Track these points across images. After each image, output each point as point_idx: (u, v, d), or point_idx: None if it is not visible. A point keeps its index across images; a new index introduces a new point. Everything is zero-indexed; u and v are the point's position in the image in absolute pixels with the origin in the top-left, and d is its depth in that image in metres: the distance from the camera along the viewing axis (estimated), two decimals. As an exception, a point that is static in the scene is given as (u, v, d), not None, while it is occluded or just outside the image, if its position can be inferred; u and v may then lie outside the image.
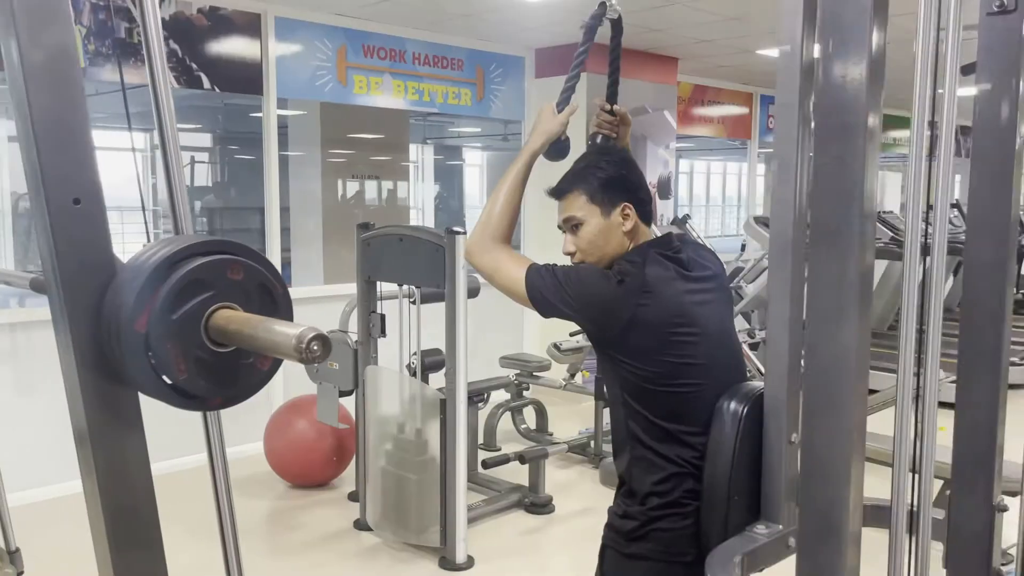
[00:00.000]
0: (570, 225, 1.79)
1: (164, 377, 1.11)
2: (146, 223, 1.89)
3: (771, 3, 1.95)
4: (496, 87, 6.22)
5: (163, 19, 4.51)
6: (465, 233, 3.40)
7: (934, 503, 1.41)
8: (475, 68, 6.06)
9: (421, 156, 16.14)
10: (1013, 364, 6.73)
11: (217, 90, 4.88)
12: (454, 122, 14.95)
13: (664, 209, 6.82)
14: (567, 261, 1.82)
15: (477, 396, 4.47)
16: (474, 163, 19.40)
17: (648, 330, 1.64)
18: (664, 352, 1.64)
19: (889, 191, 15.87)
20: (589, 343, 4.90)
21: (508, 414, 5.15)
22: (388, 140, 8.00)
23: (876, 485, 1.42)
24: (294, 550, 3.76)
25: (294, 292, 1.17)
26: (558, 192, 1.82)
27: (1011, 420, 1.54)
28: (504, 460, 4.03)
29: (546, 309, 1.70)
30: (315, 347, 1.01)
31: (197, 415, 1.33)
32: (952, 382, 4.91)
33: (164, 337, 1.08)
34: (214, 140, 13.42)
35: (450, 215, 17.58)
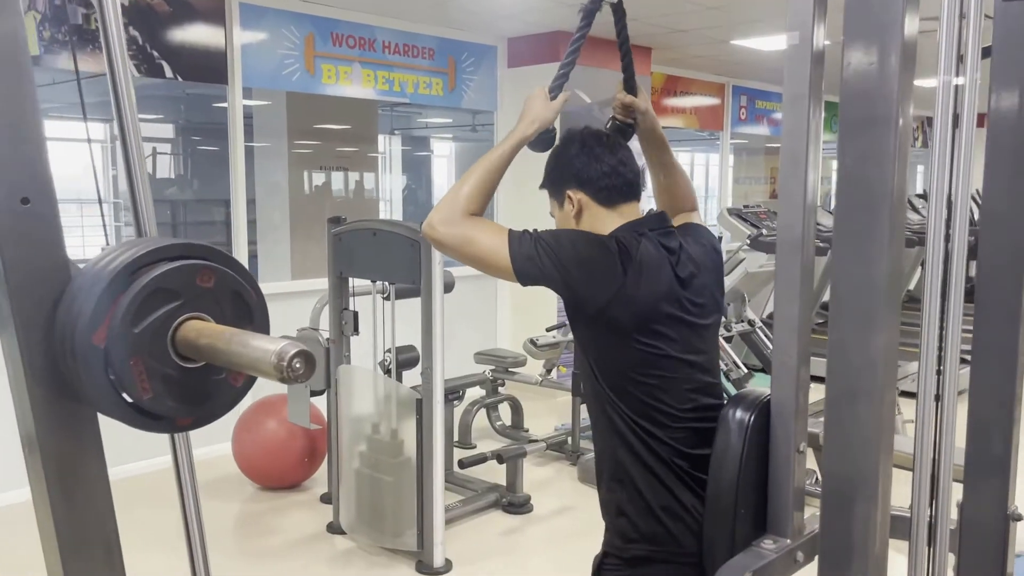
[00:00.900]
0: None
1: (126, 396, 1.00)
2: (104, 220, 1.77)
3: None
4: (468, 77, 6.09)
5: (122, 4, 4.32)
6: (441, 227, 3.29)
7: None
8: (447, 57, 5.93)
9: (389, 147, 15.93)
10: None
11: (180, 79, 4.70)
12: (422, 112, 14.78)
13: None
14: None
15: (452, 393, 4.37)
16: (442, 154, 19.21)
17: (631, 309, 1.56)
18: (641, 338, 1.57)
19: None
20: (566, 338, 4.84)
21: (483, 411, 5.05)
22: (356, 131, 7.84)
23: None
24: (265, 555, 3.64)
25: (262, 288, 1.07)
26: (544, 188, 1.80)
27: None
28: (481, 459, 3.94)
29: (529, 275, 1.56)
30: (297, 364, 0.91)
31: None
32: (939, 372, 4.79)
33: (126, 352, 0.97)
34: (176, 131, 13.11)
35: (419, 207, 17.39)
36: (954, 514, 1.44)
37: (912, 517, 1.27)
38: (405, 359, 3.82)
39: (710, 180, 22.58)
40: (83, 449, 1.06)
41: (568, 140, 1.74)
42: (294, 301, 4.65)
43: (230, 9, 4.78)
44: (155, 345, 0.99)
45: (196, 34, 4.70)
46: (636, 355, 1.56)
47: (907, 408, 4.66)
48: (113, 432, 1.09)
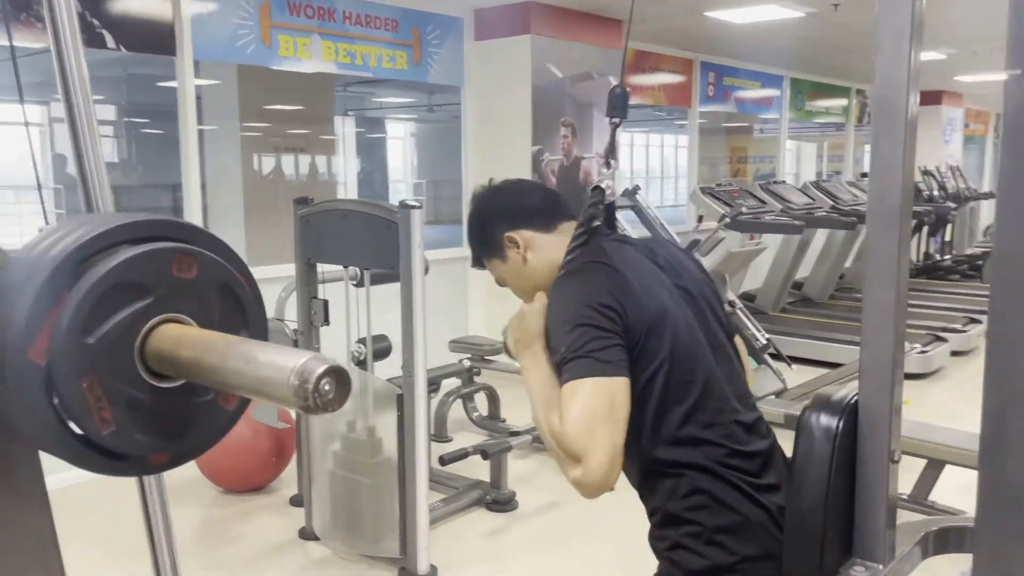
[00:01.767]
0: (503, 284, 1.68)
1: (75, 428, 0.73)
2: (42, 200, 1.47)
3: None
4: (433, 50, 5.79)
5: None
6: (420, 207, 3.03)
7: None
8: (410, 29, 5.62)
9: (343, 129, 15.50)
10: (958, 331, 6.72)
11: (123, 50, 4.32)
12: (376, 92, 14.37)
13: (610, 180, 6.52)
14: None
15: (430, 385, 4.11)
16: (397, 135, 18.80)
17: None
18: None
19: (805, 161, 15.98)
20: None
21: (459, 401, 4.80)
22: (312, 111, 7.51)
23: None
24: (233, 565, 3.36)
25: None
26: (478, 266, 1.70)
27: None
28: (463, 455, 3.70)
29: (619, 366, 1.35)
30: (327, 387, 0.65)
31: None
32: (922, 352, 4.67)
33: (75, 370, 0.70)
34: (119, 112, 12.55)
35: (374, 190, 16.99)
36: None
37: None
38: (377, 350, 3.55)
39: (668, 160, 22.52)
40: (20, 500, 0.79)
41: (484, 195, 1.67)
42: (254, 290, 4.33)
43: (178, -25, 4.42)
44: (117, 360, 0.72)
45: (141, 2, 4.33)
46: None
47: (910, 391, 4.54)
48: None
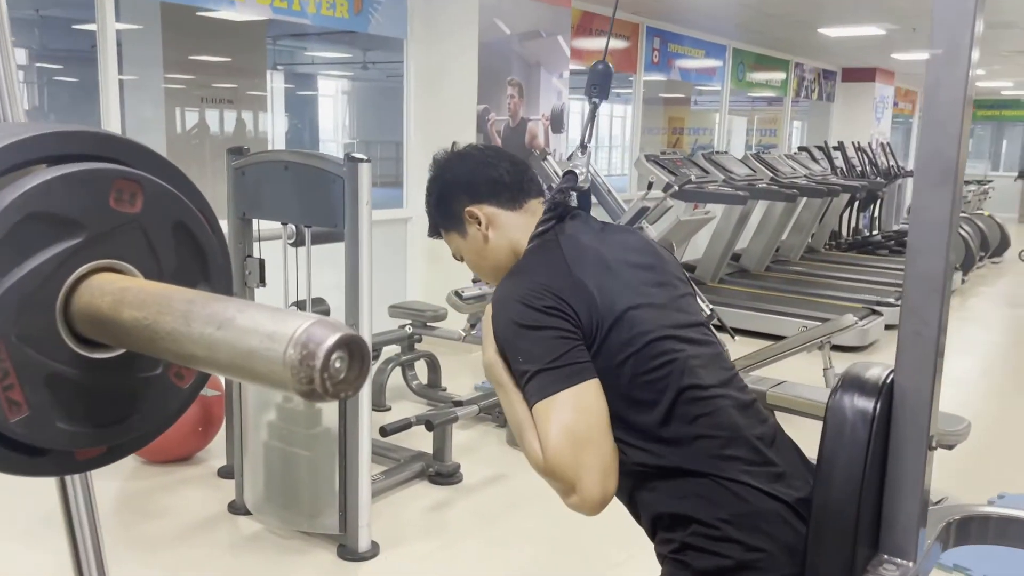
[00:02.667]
0: (459, 259, 1.56)
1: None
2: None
3: None
4: None
5: None
6: (368, 161, 2.81)
7: None
8: (352, -25, 5.31)
9: (271, 84, 14.91)
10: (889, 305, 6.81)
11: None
12: (308, 47, 13.84)
13: (557, 144, 6.35)
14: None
15: (371, 352, 3.91)
16: (329, 93, 18.21)
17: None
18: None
19: (736, 135, 16.08)
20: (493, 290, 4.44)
21: (398, 369, 4.61)
22: (240, 63, 7.13)
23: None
24: (156, 542, 3.12)
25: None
26: (434, 235, 1.59)
27: None
28: (406, 425, 3.52)
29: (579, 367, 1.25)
30: (338, 365, 0.47)
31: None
32: (861, 326, 4.60)
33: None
34: (29, 57, 11.77)
35: (303, 149, 16.44)
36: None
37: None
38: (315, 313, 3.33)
39: (605, 128, 22.49)
40: None
41: (446, 162, 1.52)
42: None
43: (97, -100, 4.04)
44: (31, 320, 0.53)
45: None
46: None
47: (838, 362, 4.53)
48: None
